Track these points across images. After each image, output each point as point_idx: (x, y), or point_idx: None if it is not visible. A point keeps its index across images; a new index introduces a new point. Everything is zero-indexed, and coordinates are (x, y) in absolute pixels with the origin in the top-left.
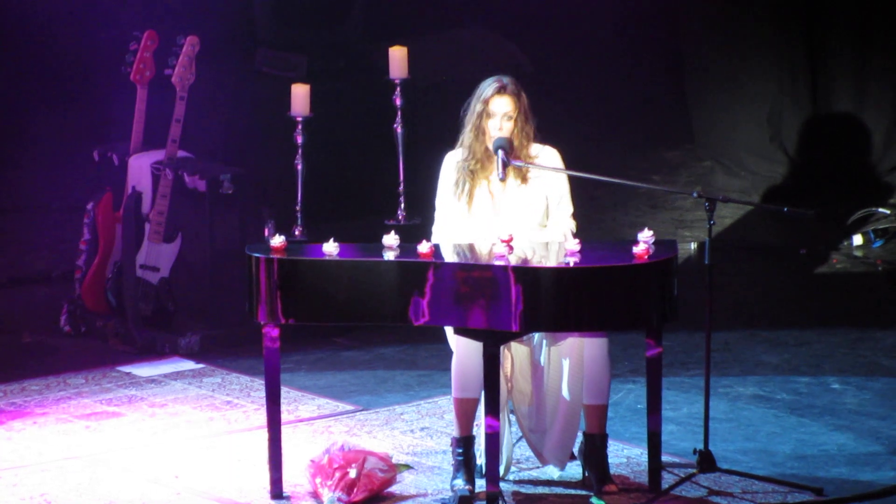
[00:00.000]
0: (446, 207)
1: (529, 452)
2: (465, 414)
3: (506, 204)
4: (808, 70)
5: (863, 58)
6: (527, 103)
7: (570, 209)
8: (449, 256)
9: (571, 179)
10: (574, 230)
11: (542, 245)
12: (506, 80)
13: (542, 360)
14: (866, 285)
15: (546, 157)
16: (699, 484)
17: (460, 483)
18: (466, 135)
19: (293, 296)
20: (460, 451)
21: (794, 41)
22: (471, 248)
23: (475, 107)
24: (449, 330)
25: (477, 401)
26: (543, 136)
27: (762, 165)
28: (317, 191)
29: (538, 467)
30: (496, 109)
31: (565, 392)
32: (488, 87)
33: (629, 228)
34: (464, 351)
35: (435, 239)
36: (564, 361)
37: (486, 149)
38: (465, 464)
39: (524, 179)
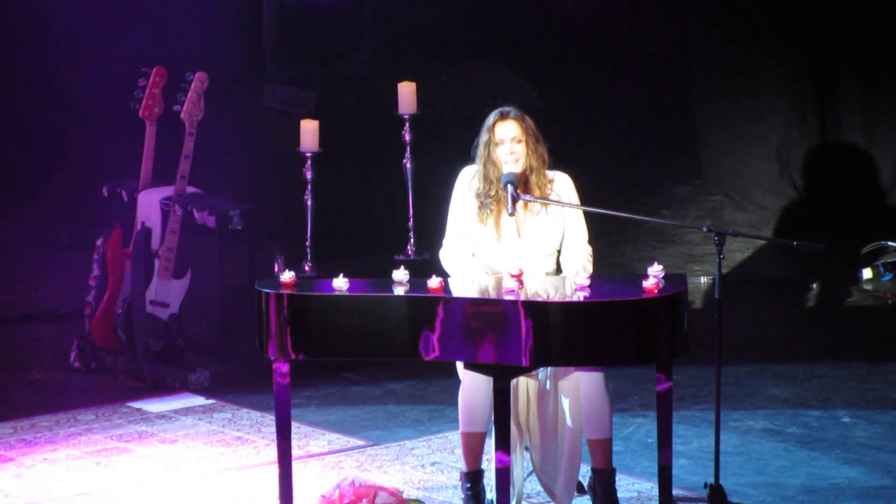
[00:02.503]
0: (460, 224)
1: (540, 487)
2: (472, 448)
3: (529, 228)
4: (817, 104)
5: (871, 92)
6: (534, 126)
7: (586, 235)
8: (458, 291)
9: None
10: (591, 255)
11: (552, 279)
12: (508, 108)
13: (549, 397)
14: (876, 319)
15: (559, 182)
16: None
17: None
18: (480, 167)
19: (303, 331)
20: (469, 485)
21: (803, 76)
22: (480, 282)
23: (482, 139)
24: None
25: (484, 434)
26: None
27: (771, 200)
28: (326, 226)
29: (549, 502)
30: (502, 135)
31: (567, 426)
32: (490, 117)
33: (639, 263)
34: (469, 385)
35: (445, 255)
36: (563, 398)
37: (499, 179)
38: (474, 498)
39: (545, 204)
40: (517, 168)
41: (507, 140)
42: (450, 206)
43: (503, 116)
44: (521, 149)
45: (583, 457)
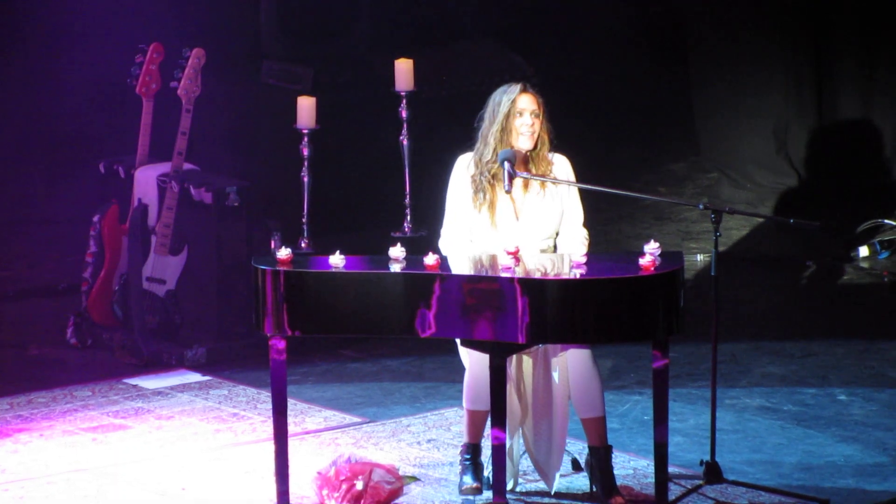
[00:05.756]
0: (458, 212)
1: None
2: (475, 424)
3: (527, 211)
4: (814, 82)
5: (868, 70)
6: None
7: (582, 217)
8: (455, 268)
9: (579, 190)
10: (587, 237)
11: (548, 257)
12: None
13: (539, 371)
14: (872, 296)
15: (558, 165)
16: (706, 495)
17: (469, 480)
18: (490, 137)
19: (299, 308)
20: (468, 456)
21: (800, 54)
22: (477, 259)
23: (501, 108)
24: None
25: (488, 413)
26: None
27: (768, 177)
28: (323, 203)
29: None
30: (525, 106)
31: (557, 402)
32: (512, 88)
33: (635, 240)
34: (477, 364)
35: (444, 243)
36: (554, 373)
37: (512, 148)
38: (472, 466)
39: (543, 185)
40: (530, 143)
41: (528, 112)
42: (447, 194)
43: (526, 89)
44: (537, 124)
45: (579, 434)
